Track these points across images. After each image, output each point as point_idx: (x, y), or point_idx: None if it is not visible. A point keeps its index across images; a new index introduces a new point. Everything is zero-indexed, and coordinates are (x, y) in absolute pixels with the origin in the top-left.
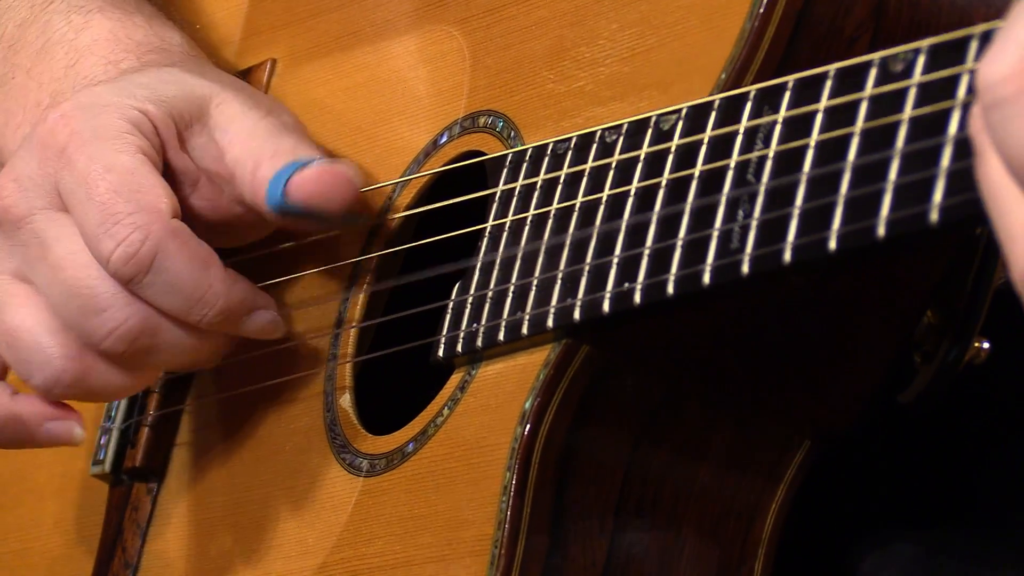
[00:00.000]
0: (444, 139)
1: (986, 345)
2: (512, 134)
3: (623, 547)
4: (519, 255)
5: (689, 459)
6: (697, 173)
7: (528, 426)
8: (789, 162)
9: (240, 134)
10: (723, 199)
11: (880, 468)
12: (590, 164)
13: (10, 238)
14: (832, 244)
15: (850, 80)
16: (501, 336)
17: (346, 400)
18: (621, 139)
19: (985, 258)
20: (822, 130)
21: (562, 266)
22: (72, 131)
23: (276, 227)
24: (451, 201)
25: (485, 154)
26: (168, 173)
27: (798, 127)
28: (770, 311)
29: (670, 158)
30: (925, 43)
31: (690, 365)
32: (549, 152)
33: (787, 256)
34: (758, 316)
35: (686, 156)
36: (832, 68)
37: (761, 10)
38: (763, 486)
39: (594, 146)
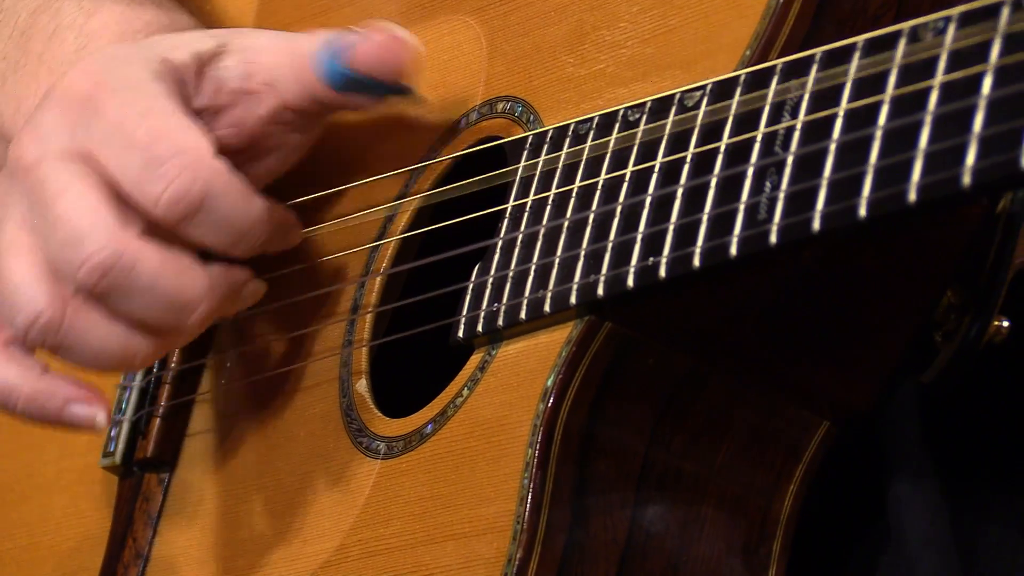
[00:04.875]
0: (461, 126)
1: (1006, 323)
2: (531, 118)
3: (644, 523)
4: (541, 233)
5: (709, 437)
6: (723, 147)
7: (550, 402)
8: (818, 132)
9: (270, 44)
10: (750, 171)
11: (911, 439)
12: (613, 142)
13: (20, 187)
14: (862, 211)
15: (879, 50)
16: (523, 314)
17: (362, 385)
18: (644, 117)
19: (1005, 236)
20: (851, 99)
21: (585, 243)
22: (97, 81)
23: (301, 152)
24: (470, 180)
25: (503, 139)
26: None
27: (826, 97)
28: (790, 287)
29: (695, 133)
30: (955, 11)
31: (711, 341)
32: (570, 133)
33: (816, 225)
34: (779, 292)
35: (711, 131)
36: (861, 39)
37: None
38: (782, 466)
39: (616, 125)
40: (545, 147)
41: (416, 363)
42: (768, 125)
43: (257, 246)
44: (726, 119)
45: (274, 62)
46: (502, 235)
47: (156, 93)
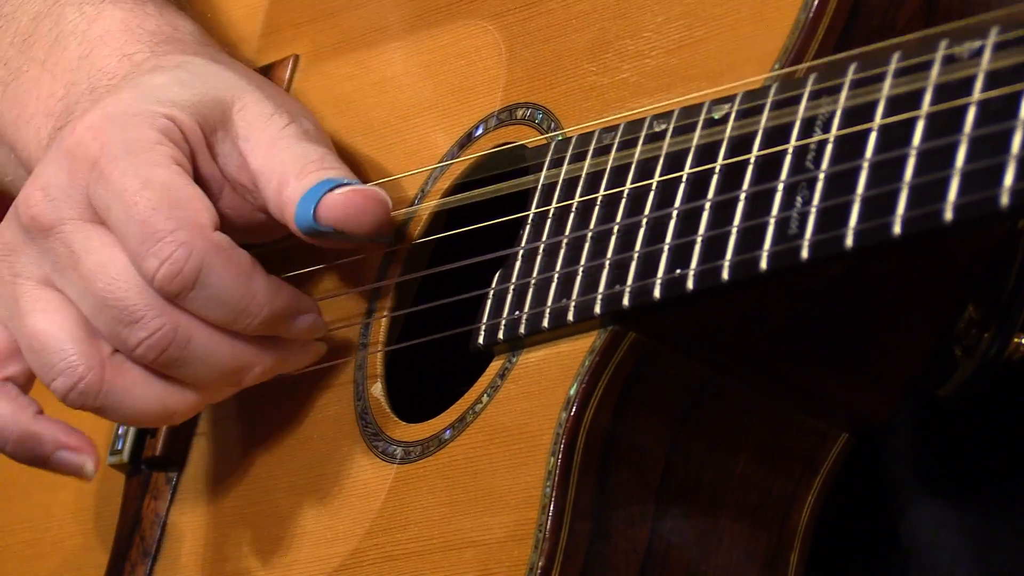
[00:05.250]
0: (480, 131)
1: None
2: (552, 126)
3: (664, 532)
4: (564, 242)
5: (728, 447)
6: (753, 159)
7: (573, 411)
8: (850, 147)
9: (262, 143)
10: (780, 185)
11: (929, 447)
12: (639, 151)
13: (38, 246)
14: (897, 229)
15: (914, 69)
16: (545, 323)
17: (377, 389)
18: (671, 126)
19: None
20: (884, 115)
21: (610, 253)
22: (103, 144)
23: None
24: (490, 188)
25: (525, 141)
26: (197, 180)
27: (859, 113)
28: (811, 298)
29: (724, 144)
30: (992, 32)
31: (732, 351)
32: (594, 139)
33: (849, 241)
34: (799, 303)
35: (741, 143)
36: (895, 56)
37: (816, 1)
38: (800, 476)
39: (642, 133)
40: (568, 154)
41: (431, 367)
42: (799, 139)
43: (260, 327)
44: (756, 132)
45: (264, 169)
46: (524, 242)
47: (158, 160)
